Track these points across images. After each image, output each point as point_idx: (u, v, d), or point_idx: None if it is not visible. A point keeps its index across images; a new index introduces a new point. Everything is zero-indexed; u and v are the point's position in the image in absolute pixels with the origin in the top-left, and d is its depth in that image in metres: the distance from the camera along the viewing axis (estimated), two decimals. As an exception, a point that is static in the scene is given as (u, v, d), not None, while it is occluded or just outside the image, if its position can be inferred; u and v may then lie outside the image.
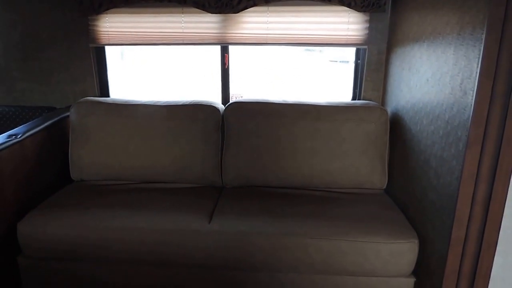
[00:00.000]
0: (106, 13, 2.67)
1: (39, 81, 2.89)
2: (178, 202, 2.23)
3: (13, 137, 2.16)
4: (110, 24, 2.71)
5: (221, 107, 2.55)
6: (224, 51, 2.75)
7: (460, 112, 1.59)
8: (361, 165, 2.38)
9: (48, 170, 2.46)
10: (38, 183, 2.34)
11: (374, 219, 2.05)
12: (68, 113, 2.60)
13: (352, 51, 2.82)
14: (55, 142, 2.53)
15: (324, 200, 2.29)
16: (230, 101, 2.57)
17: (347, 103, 2.49)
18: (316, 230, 1.96)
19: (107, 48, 2.86)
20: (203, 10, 2.54)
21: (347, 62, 3.42)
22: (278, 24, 2.62)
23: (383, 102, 2.69)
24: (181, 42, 2.70)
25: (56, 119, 2.53)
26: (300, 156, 2.39)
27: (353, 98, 2.84)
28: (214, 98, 2.74)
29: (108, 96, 2.93)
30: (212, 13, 2.54)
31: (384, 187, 2.44)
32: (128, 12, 2.66)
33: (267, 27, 2.62)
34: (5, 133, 2.21)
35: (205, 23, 2.64)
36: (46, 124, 2.42)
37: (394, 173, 2.41)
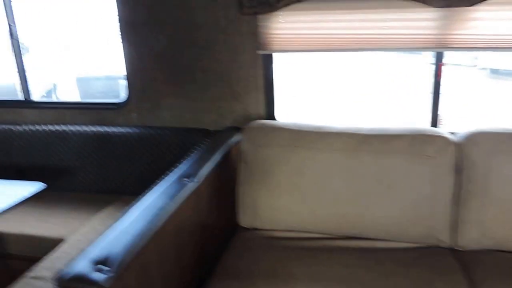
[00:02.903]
0: (282, 10, 2.04)
1: (190, 95, 2.32)
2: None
3: (186, 179, 1.57)
4: (284, 25, 2.08)
5: (453, 138, 1.83)
6: (439, 59, 2.05)
7: None
8: None
9: (216, 218, 1.88)
10: (208, 236, 1.76)
11: None
12: (235, 140, 2.01)
13: None
14: (224, 179, 1.94)
15: None
16: (470, 129, 1.83)
17: None
18: None
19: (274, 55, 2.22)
20: (424, 3, 1.85)
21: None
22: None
23: None
24: (381, 47, 2.02)
25: (226, 150, 1.94)
26: None
27: None
28: (416, 119, 2.04)
29: (274, 118, 2.29)
30: (436, 6, 1.85)
31: None
32: (310, 8, 2.02)
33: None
34: (173, 173, 1.62)
35: (418, 20, 1.94)
36: (218, 158, 1.83)
37: None
